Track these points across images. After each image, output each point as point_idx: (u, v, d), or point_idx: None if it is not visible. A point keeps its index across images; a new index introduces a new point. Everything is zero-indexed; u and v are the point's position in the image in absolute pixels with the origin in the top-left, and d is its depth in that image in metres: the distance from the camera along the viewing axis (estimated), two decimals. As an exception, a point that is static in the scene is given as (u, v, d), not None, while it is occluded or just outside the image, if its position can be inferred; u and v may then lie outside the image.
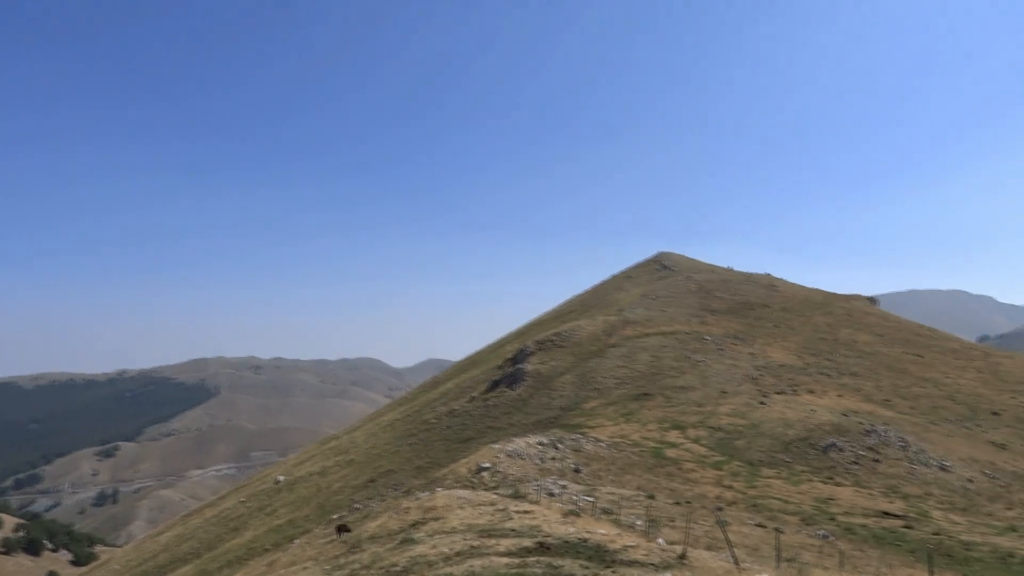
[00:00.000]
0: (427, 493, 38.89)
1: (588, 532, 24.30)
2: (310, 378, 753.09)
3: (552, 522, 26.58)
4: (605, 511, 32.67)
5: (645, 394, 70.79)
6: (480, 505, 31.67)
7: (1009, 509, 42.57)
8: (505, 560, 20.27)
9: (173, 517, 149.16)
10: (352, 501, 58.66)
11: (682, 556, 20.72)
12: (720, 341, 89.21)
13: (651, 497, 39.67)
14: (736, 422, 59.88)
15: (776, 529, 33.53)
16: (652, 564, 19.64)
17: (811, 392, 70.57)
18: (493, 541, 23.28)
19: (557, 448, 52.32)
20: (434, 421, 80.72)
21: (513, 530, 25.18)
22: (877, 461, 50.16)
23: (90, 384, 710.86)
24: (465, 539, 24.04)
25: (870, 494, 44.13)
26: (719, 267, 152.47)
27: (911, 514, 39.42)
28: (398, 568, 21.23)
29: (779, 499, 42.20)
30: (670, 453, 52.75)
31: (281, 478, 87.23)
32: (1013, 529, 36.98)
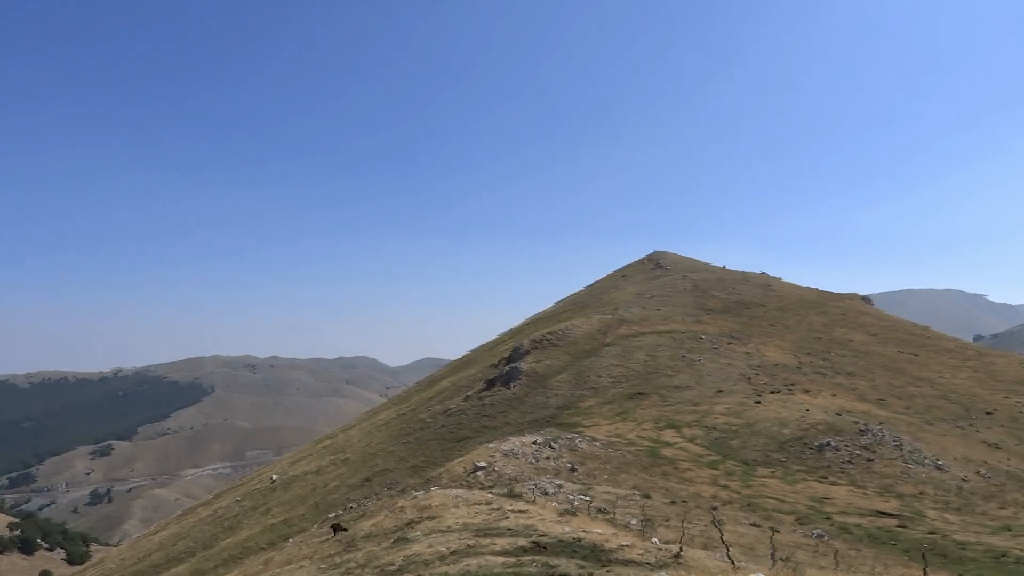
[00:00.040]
0: (423, 492, 38.86)
1: (583, 531, 24.28)
2: (305, 377, 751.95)
3: (547, 521, 26.57)
4: (600, 510, 32.67)
5: (640, 393, 70.86)
6: (476, 504, 31.64)
7: (1003, 508, 42.71)
8: (500, 559, 20.24)
9: (168, 516, 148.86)
10: (347, 500, 58.59)
11: (677, 555, 20.72)
12: (715, 340, 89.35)
13: (646, 496, 39.69)
14: (731, 421, 59.97)
15: (771, 528, 33.57)
16: (647, 563, 19.63)
17: (806, 391, 70.72)
18: (488, 540, 23.25)
19: (552, 447, 52.32)
20: (429, 420, 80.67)
21: (508, 529, 25.16)
22: (872, 460, 50.28)
23: (84, 383, 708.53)
24: (461, 538, 24.00)
25: (865, 493, 44.24)
26: (714, 266, 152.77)
27: (906, 513, 39.54)
28: (393, 567, 21.17)
29: (774, 498, 42.28)
30: (665, 452, 52.81)
31: (276, 477, 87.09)
32: (1007, 528, 37.11)
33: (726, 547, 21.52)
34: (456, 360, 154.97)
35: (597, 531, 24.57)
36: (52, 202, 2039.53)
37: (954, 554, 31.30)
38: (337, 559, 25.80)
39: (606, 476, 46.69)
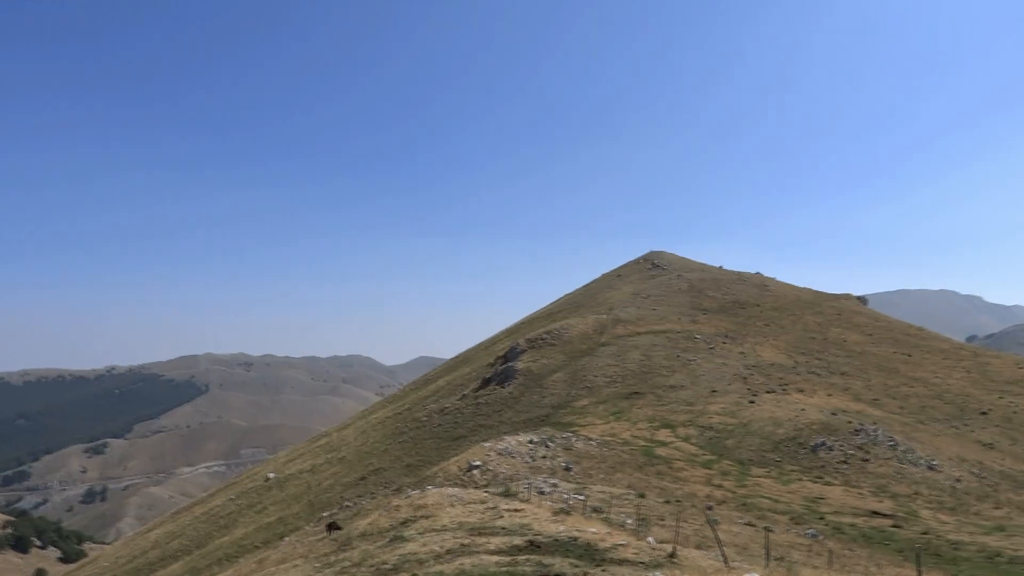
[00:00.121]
0: (418, 491, 38.87)
1: (578, 530, 24.31)
2: (301, 375, 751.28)
3: (542, 520, 26.58)
4: (595, 509, 32.70)
5: (636, 393, 70.93)
6: (470, 503, 31.65)
7: (997, 508, 42.87)
8: (495, 558, 20.25)
9: (162, 515, 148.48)
10: (342, 499, 58.55)
11: (672, 555, 20.75)
12: (711, 340, 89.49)
13: (641, 496, 39.75)
14: (726, 421, 60.07)
15: (766, 528, 33.64)
16: (642, 563, 19.66)
17: (801, 391, 70.87)
18: (483, 539, 23.26)
19: (548, 446, 52.35)
20: (425, 419, 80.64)
21: (503, 528, 25.17)
22: (866, 460, 50.41)
23: (79, 381, 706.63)
24: (455, 537, 24.01)
25: (859, 493, 44.36)
26: (710, 266, 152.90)
27: (900, 513, 39.65)
28: (388, 566, 21.17)
29: (769, 498, 42.36)
30: (660, 452, 52.87)
31: (271, 476, 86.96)
32: (1001, 528, 37.24)
33: (720, 546, 21.56)
34: (452, 359, 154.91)
35: (592, 530, 24.60)
36: (48, 201, 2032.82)
37: (948, 554, 31.39)
38: (332, 558, 25.77)
39: (601, 475, 46.73)
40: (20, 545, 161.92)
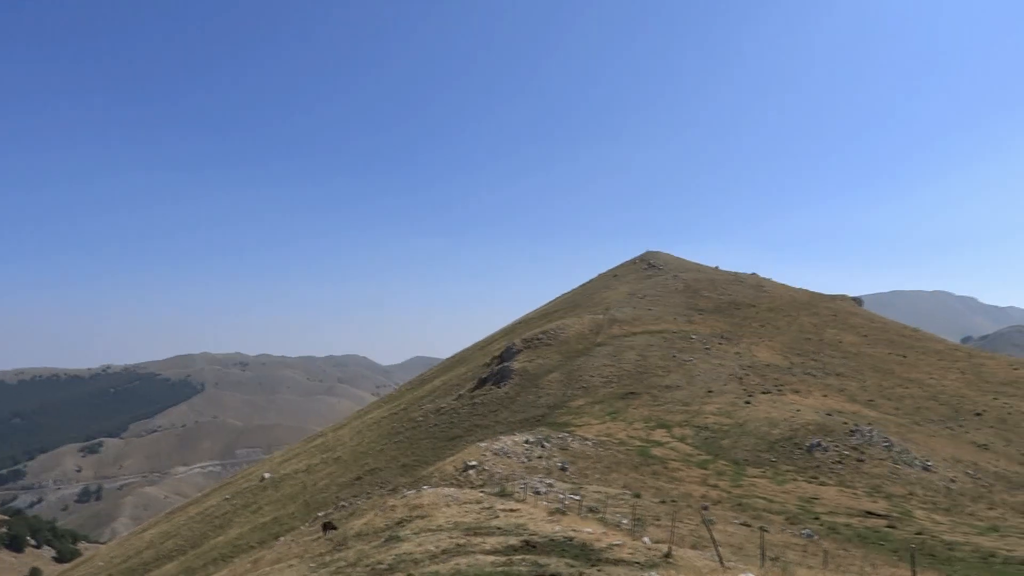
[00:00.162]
0: (413, 491, 38.85)
1: (574, 531, 24.33)
2: (296, 375, 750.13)
3: (538, 520, 26.60)
4: (591, 510, 32.73)
5: (631, 393, 70.99)
6: (466, 503, 31.66)
7: (991, 509, 43.02)
8: (491, 558, 20.26)
9: (158, 514, 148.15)
10: (338, 499, 58.49)
11: (667, 555, 20.79)
12: (706, 340, 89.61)
13: (637, 496, 39.79)
14: (722, 421, 60.16)
15: (761, 528, 33.69)
16: (637, 563, 19.69)
17: (796, 392, 71.01)
18: (479, 539, 23.27)
19: (543, 446, 52.37)
20: (421, 419, 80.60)
21: (499, 528, 25.18)
22: (861, 461, 50.53)
23: (74, 380, 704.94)
24: (451, 537, 24.01)
25: (854, 494, 44.46)
26: (706, 266, 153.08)
27: (894, 514, 39.75)
28: (384, 566, 21.16)
29: (764, 498, 42.43)
30: (656, 452, 52.93)
31: (267, 475, 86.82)
32: (995, 529, 37.37)
33: (716, 546, 21.60)
34: (448, 359, 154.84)
35: (587, 530, 24.62)
36: (46, 201, 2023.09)
37: (942, 554, 31.49)
38: (327, 558, 25.76)
39: (597, 475, 46.77)
40: (15, 544, 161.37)
